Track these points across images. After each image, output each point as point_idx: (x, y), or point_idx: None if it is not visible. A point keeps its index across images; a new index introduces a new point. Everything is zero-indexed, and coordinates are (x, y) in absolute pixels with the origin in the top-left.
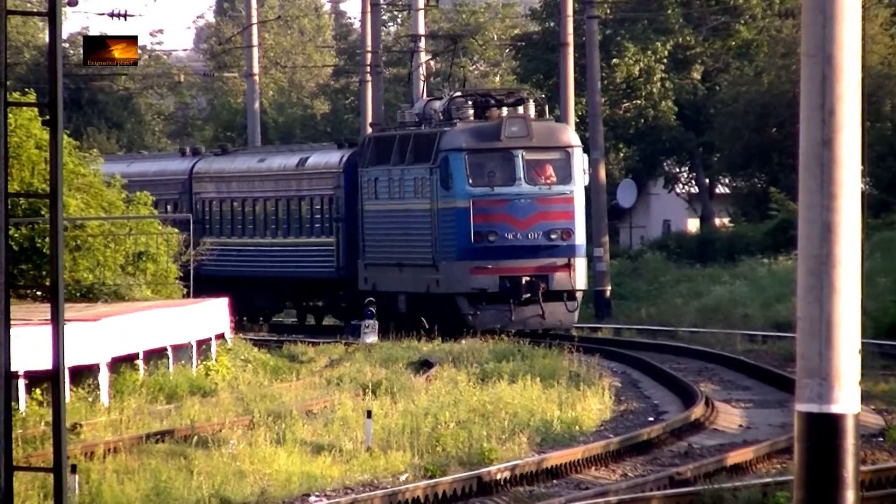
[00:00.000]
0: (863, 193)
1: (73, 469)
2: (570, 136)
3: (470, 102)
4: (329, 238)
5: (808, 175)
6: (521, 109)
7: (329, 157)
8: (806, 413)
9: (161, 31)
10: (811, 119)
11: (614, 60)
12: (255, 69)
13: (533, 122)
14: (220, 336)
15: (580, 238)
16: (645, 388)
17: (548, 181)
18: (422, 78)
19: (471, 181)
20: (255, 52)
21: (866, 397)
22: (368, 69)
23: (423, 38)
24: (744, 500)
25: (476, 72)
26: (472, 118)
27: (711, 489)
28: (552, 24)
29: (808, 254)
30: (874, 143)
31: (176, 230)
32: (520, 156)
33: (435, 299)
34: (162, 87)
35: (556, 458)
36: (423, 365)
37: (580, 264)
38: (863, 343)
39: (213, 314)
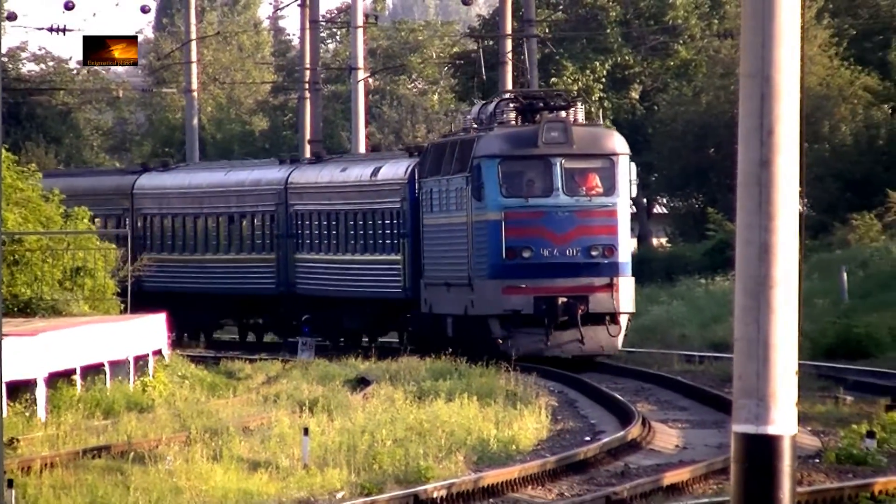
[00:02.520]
0: (801, 214)
1: (10, 484)
2: (616, 142)
3: (512, 105)
4: (396, 256)
5: (746, 195)
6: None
7: (397, 168)
8: (743, 434)
9: None
10: (750, 139)
11: (553, 79)
12: (194, 85)
13: (575, 126)
14: (158, 352)
15: (624, 255)
16: (582, 408)
17: (589, 192)
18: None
19: (504, 191)
20: (194, 68)
21: (803, 419)
22: (307, 86)
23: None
24: None
25: (414, 90)
26: (513, 122)
27: None
28: (491, 42)
29: (746, 274)
30: (813, 164)
31: (114, 246)
32: (558, 164)
33: (472, 322)
34: (100, 103)
35: (492, 476)
36: (361, 382)
37: (625, 284)
38: (800, 364)
39: (151, 330)
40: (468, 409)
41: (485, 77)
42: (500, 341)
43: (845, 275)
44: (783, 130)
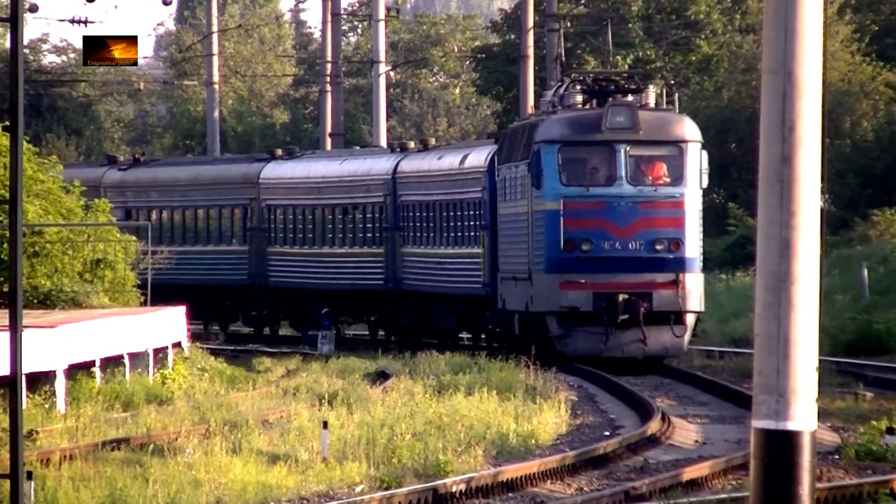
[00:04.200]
0: (822, 210)
1: (29, 475)
2: (686, 128)
3: (579, 87)
4: (477, 249)
5: (767, 191)
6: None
7: (480, 155)
8: (762, 429)
9: None
10: (771, 135)
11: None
12: (215, 77)
13: (641, 111)
14: (177, 344)
15: (692, 250)
16: (601, 403)
17: (655, 182)
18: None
19: (564, 179)
20: (216, 61)
21: (823, 414)
22: (328, 79)
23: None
24: None
25: (436, 83)
26: (580, 104)
27: None
28: (512, 36)
29: (767, 270)
30: (834, 160)
31: (134, 238)
32: (622, 151)
33: (532, 319)
34: (122, 95)
35: (511, 471)
36: (380, 376)
37: (692, 281)
38: (820, 360)
39: (170, 322)
40: (488, 403)
41: (563, 58)
42: (557, 341)
43: (865, 271)
44: (805, 126)
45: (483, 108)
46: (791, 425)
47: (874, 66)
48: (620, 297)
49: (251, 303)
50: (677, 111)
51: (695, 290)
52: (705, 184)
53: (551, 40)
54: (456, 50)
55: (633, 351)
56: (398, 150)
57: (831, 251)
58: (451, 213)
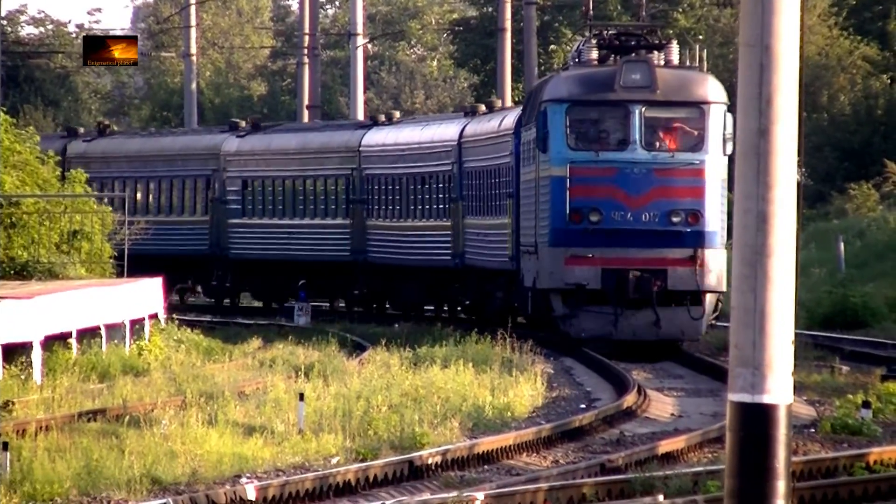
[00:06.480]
0: (799, 184)
1: (5, 446)
2: (709, 88)
3: (594, 41)
4: (504, 219)
5: (744, 164)
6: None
7: (512, 117)
8: (738, 403)
9: (99, 10)
10: (748, 109)
11: (552, 46)
12: (193, 49)
13: (660, 68)
14: (154, 316)
15: (713, 223)
16: (577, 375)
17: (672, 147)
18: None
19: (572, 142)
20: (193, 33)
21: (799, 388)
22: (306, 51)
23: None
24: (675, 489)
25: (413, 56)
26: (595, 61)
27: (642, 477)
28: (490, 9)
29: (744, 243)
30: (811, 133)
31: (110, 209)
32: (637, 112)
33: (539, 297)
34: (99, 66)
35: (487, 443)
36: (357, 348)
37: (713, 257)
38: (796, 334)
39: (147, 294)
40: (464, 375)
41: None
42: (562, 321)
43: (842, 244)
44: (782, 100)
45: (460, 80)
46: (767, 398)
47: (852, 40)
48: (632, 275)
49: (352, 281)
50: (705, 69)
51: (715, 267)
52: (730, 150)
53: (528, 13)
54: (433, 23)
55: (645, 334)
56: (470, 113)
57: (808, 225)
58: (492, 181)
